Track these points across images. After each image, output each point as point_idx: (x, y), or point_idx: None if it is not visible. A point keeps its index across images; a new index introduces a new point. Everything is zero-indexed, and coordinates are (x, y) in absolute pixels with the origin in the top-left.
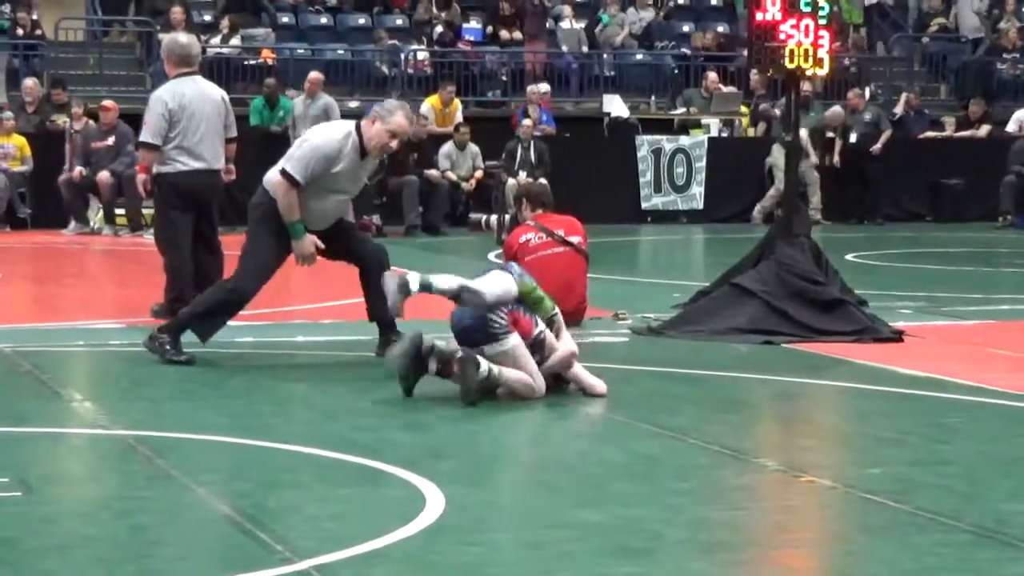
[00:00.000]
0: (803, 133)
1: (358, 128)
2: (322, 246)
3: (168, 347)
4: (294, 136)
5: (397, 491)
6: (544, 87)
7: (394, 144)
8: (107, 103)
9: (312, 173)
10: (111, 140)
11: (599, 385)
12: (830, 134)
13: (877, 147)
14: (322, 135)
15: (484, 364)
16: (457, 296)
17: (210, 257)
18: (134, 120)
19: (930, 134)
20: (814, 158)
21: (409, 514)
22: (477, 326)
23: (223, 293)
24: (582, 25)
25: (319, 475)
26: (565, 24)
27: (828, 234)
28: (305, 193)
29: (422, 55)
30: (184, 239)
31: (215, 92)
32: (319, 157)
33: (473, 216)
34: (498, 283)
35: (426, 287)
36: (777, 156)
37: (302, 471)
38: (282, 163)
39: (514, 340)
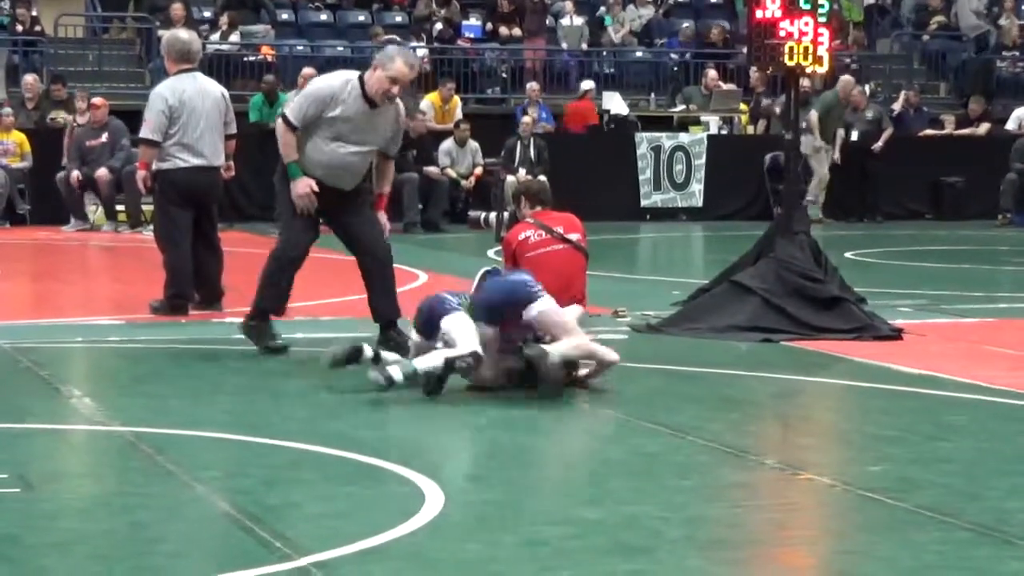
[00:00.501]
0: (812, 115)
1: (361, 77)
2: (315, 189)
3: (262, 333)
4: None
5: (397, 488)
6: (533, 85)
7: (395, 90)
8: (96, 100)
9: (307, 115)
10: (104, 137)
11: (611, 353)
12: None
13: (879, 145)
14: (319, 80)
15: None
16: (450, 366)
17: (209, 254)
18: (135, 117)
19: (930, 132)
20: (818, 141)
21: (409, 511)
22: (508, 300)
23: (272, 260)
24: (583, 20)
25: (319, 472)
26: (565, 21)
27: (828, 232)
28: (313, 138)
29: (421, 52)
30: (184, 236)
31: (215, 89)
32: (312, 99)
33: (472, 213)
34: (460, 326)
35: (410, 376)
36: (806, 147)
37: (302, 468)
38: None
39: (549, 298)
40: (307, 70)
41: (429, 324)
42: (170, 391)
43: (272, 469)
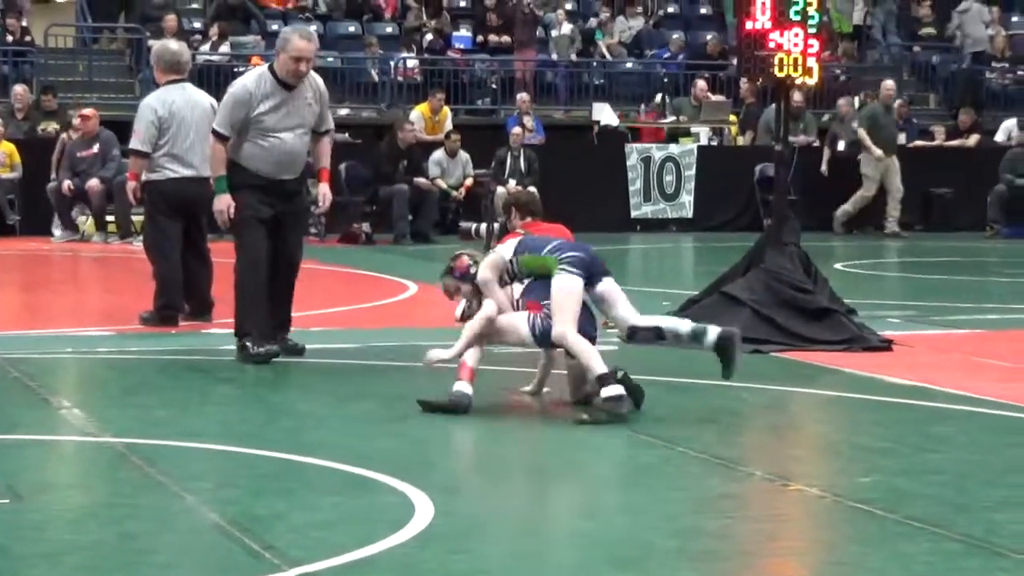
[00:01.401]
0: (861, 132)
1: (271, 68)
2: (231, 212)
3: (245, 346)
4: None
5: (386, 499)
6: (523, 96)
7: (303, 67)
8: (87, 111)
9: (235, 120)
10: (96, 148)
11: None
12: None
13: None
14: (234, 85)
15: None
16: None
17: (199, 264)
18: (125, 127)
19: (920, 143)
20: (876, 151)
21: (398, 522)
22: (596, 259)
23: (238, 274)
24: (572, 27)
25: (308, 483)
26: (556, 31)
27: (817, 243)
28: (251, 139)
29: (412, 63)
30: (173, 247)
31: (204, 99)
32: (234, 103)
33: (463, 224)
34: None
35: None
36: (864, 164)
37: (291, 479)
38: None
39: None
40: None
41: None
42: (160, 402)
43: (261, 479)
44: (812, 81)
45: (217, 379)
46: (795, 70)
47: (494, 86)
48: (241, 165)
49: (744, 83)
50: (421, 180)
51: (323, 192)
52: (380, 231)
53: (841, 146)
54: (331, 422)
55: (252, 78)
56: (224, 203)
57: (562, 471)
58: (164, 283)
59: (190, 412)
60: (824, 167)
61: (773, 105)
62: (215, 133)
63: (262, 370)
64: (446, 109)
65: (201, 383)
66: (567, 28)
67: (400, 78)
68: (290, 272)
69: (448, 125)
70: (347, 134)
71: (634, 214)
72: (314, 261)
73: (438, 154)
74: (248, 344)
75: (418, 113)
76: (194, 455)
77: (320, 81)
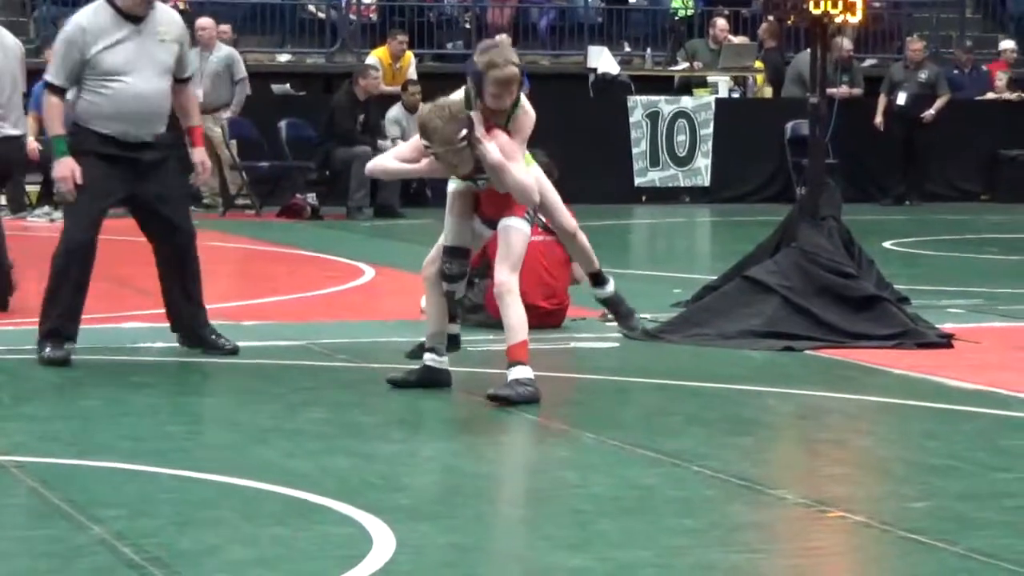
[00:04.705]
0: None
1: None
2: (78, 178)
3: (42, 346)
4: None
5: (338, 529)
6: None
7: None
8: None
9: (70, 66)
10: None
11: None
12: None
13: (930, 113)
14: (65, 24)
15: None
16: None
17: None
18: None
19: (991, 96)
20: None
21: (352, 557)
22: None
23: (54, 260)
24: None
25: (243, 510)
26: None
27: (861, 216)
28: (90, 88)
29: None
30: None
31: (13, 42)
32: (65, 46)
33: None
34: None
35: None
36: None
37: (223, 506)
38: None
39: None
40: (204, 20)
41: None
42: (60, 412)
43: (186, 507)
44: (855, 19)
45: (131, 384)
46: (834, 6)
47: (467, 26)
48: (81, 126)
49: (766, 24)
50: (385, 143)
51: (199, 157)
52: (329, 203)
53: (902, 99)
54: (271, 436)
55: (86, 13)
56: (67, 168)
57: (548, 495)
58: None
59: (98, 425)
60: (879, 119)
61: (807, 50)
62: (48, 85)
63: (187, 374)
64: (409, 54)
65: (111, 390)
66: None
67: (352, 16)
68: (188, 259)
69: (412, 74)
70: (288, 85)
71: (638, 182)
72: (248, 240)
73: (396, 110)
74: (46, 346)
75: (375, 59)
76: (102, 477)
77: (177, 16)
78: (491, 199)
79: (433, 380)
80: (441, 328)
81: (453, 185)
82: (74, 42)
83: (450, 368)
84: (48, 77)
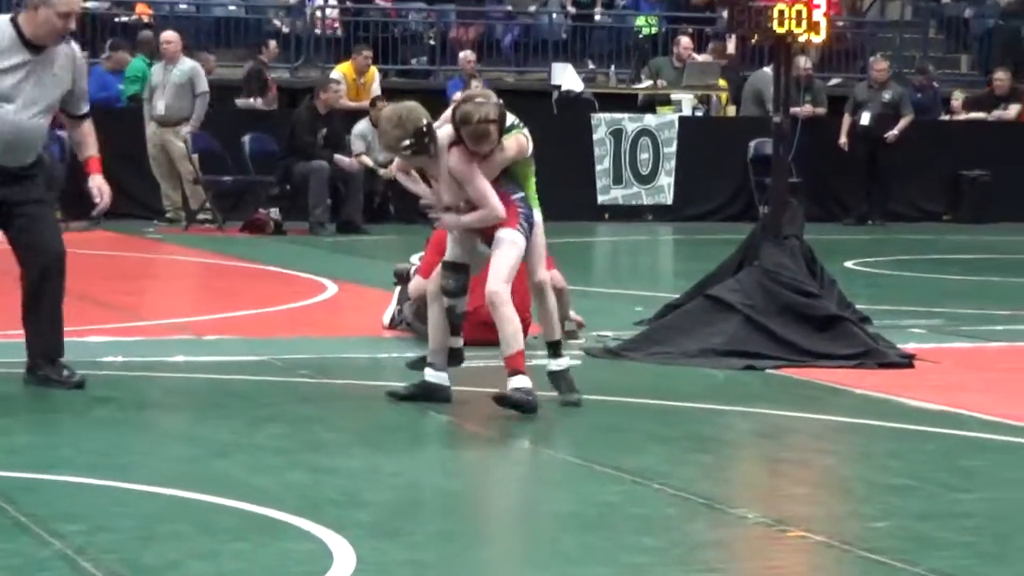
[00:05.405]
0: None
1: (14, 20)
2: None
3: None
4: (149, 110)
5: (299, 545)
6: (467, 55)
7: (71, 25)
8: None
9: None
10: None
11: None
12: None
13: (893, 133)
14: None
15: None
16: None
17: None
18: None
19: (957, 117)
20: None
21: (313, 574)
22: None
23: None
24: None
25: (204, 526)
26: None
27: (824, 235)
28: None
29: (331, 12)
30: None
31: None
32: None
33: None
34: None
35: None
36: None
37: (183, 520)
38: None
39: None
40: (168, 34)
41: None
42: (20, 425)
43: (146, 521)
44: (819, 39)
45: (92, 398)
46: (798, 25)
47: (431, 42)
48: None
49: (730, 40)
50: (342, 158)
51: (97, 184)
52: (293, 218)
53: (866, 119)
54: (232, 452)
55: None
56: None
57: (510, 512)
58: None
59: (58, 439)
60: (844, 139)
61: (766, 68)
62: None
63: (148, 388)
64: (373, 69)
65: (72, 403)
66: None
67: (317, 31)
68: (54, 276)
69: (375, 89)
70: (251, 99)
71: (601, 199)
72: (212, 254)
73: (362, 125)
74: None
75: (339, 74)
76: (63, 491)
77: (77, 50)
78: None
79: (430, 395)
80: (441, 344)
81: None
82: None
83: (451, 385)
84: None
